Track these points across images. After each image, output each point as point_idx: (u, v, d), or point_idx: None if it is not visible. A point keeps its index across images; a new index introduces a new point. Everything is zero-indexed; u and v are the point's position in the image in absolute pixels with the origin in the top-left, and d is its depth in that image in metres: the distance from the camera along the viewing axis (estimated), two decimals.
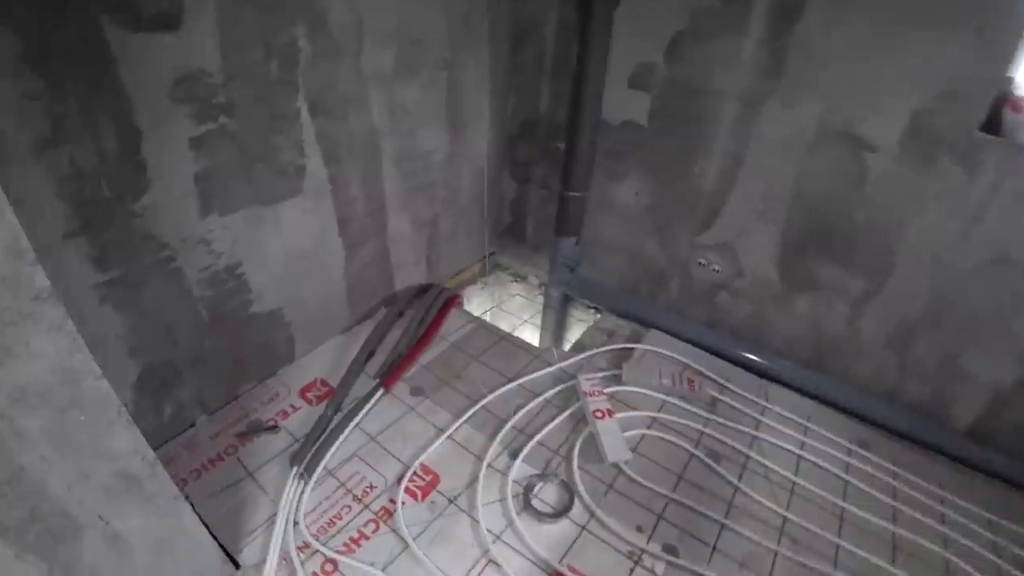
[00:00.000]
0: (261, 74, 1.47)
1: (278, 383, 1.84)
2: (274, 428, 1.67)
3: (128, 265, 1.39)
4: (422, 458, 1.62)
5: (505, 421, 1.75)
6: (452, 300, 2.22)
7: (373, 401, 1.74)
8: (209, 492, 1.50)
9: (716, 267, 2.10)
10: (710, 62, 1.85)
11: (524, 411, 1.80)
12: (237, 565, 1.36)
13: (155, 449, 1.57)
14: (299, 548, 1.40)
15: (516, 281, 2.72)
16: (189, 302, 1.54)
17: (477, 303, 2.73)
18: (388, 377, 1.81)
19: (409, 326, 2.01)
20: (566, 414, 1.79)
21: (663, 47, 1.92)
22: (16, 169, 1.15)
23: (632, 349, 2.08)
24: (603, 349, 2.09)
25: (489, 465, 1.62)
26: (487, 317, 2.78)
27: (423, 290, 2.24)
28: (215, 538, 1.39)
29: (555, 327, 2.52)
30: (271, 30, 1.45)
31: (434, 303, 2.14)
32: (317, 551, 1.38)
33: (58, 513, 0.97)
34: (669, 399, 1.88)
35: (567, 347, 2.30)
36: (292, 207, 1.68)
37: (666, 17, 1.87)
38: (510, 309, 2.85)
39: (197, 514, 1.42)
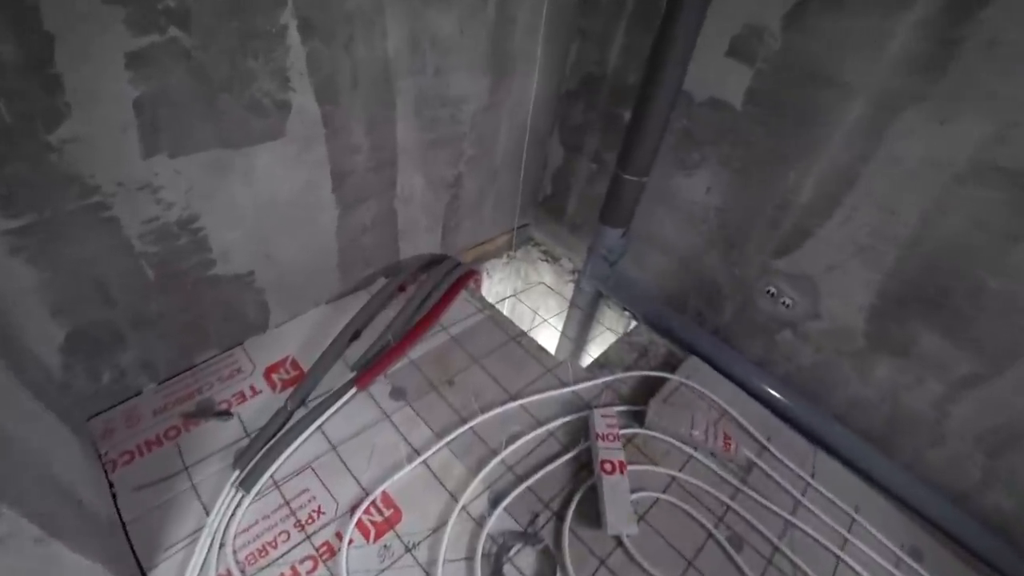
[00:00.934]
0: None
1: (243, 356, 1.56)
2: (226, 414, 1.41)
3: (44, 210, 1.08)
4: (386, 485, 1.35)
5: (495, 453, 1.46)
6: (466, 277, 1.88)
7: (343, 401, 1.46)
8: (137, 483, 1.27)
9: (787, 300, 1.69)
10: (844, 39, 1.37)
11: (520, 443, 1.49)
12: None
13: (91, 417, 1.37)
14: None
15: (547, 261, 2.35)
16: (129, 258, 1.24)
17: (499, 279, 2.38)
18: (365, 373, 1.51)
19: (406, 307, 1.70)
20: (569, 456, 1.48)
21: (784, 8, 1.43)
22: None
23: (664, 379, 1.74)
24: (629, 374, 1.75)
25: (464, 509, 1.35)
26: (504, 306, 2.43)
27: (434, 262, 1.90)
28: (132, 548, 1.18)
29: (578, 330, 2.17)
30: None
31: (443, 280, 1.81)
32: None
33: None
34: (697, 455, 1.56)
35: (587, 358, 1.97)
36: (269, 152, 1.33)
37: None
38: (530, 298, 2.49)
39: (124, 526, 1.21)
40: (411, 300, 1.72)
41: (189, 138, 1.19)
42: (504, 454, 1.47)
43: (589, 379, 1.70)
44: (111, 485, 1.25)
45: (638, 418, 1.61)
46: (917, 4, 1.25)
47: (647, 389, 1.72)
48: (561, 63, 1.87)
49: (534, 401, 1.61)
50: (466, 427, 1.50)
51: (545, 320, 2.45)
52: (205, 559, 1.18)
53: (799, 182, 1.56)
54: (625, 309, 2.08)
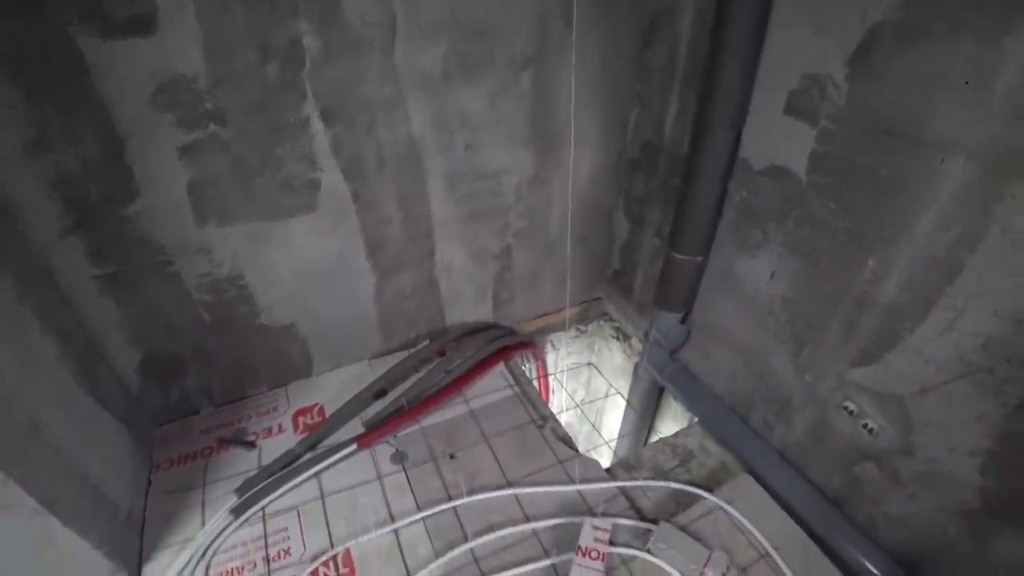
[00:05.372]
0: (256, 78, 1.31)
1: (284, 396, 1.77)
2: (251, 445, 1.61)
3: (123, 263, 1.42)
4: (350, 544, 1.37)
5: (466, 539, 1.37)
6: (511, 349, 1.84)
7: (340, 455, 1.54)
8: (166, 488, 1.52)
9: (869, 424, 1.26)
10: (928, 81, 1.03)
11: (497, 535, 1.37)
12: (139, 573, 1.36)
13: (159, 426, 1.71)
14: None
15: (617, 339, 2.14)
16: (189, 304, 1.53)
17: (567, 352, 2.25)
18: (369, 433, 1.57)
19: (430, 373, 1.72)
20: (544, 563, 1.31)
21: (848, 50, 1.14)
22: (8, 172, 1.21)
23: (698, 498, 1.43)
24: (653, 483, 1.48)
25: None
26: (562, 375, 2.27)
27: (482, 329, 1.90)
28: (142, 539, 1.42)
29: (642, 409, 1.91)
30: (265, 28, 1.26)
31: (481, 350, 1.79)
32: None
33: None
34: None
35: (654, 437, 1.72)
36: (303, 224, 1.53)
37: None
38: (607, 365, 2.27)
39: (143, 520, 1.48)
40: (439, 366, 1.74)
41: (232, 211, 1.45)
42: (476, 543, 1.36)
43: (601, 480, 1.48)
44: (149, 484, 1.53)
45: (641, 539, 1.34)
46: None
47: (678, 505, 1.43)
48: (621, 132, 1.76)
49: (530, 493, 1.47)
50: (448, 506, 1.44)
51: (616, 393, 2.21)
52: (185, 565, 1.35)
53: (880, 272, 1.19)
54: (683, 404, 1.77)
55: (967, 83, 0.99)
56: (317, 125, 1.42)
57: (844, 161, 1.21)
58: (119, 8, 1.15)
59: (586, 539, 1.32)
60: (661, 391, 1.89)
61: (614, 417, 2.18)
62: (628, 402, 1.93)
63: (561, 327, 2.12)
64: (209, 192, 1.41)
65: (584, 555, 1.29)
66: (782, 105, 1.29)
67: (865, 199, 1.19)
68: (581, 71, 1.59)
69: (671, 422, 1.91)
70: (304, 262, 1.59)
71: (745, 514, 1.37)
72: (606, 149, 1.77)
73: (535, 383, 1.96)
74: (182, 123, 1.31)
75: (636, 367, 1.86)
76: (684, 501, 1.43)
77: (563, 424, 1.73)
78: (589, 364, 2.32)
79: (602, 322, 2.19)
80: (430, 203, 1.64)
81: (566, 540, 1.35)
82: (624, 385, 2.09)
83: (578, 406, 2.35)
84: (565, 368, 2.26)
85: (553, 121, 1.65)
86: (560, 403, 2.37)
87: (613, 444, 2.08)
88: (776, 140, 1.33)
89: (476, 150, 1.61)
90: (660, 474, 1.51)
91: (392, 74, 1.42)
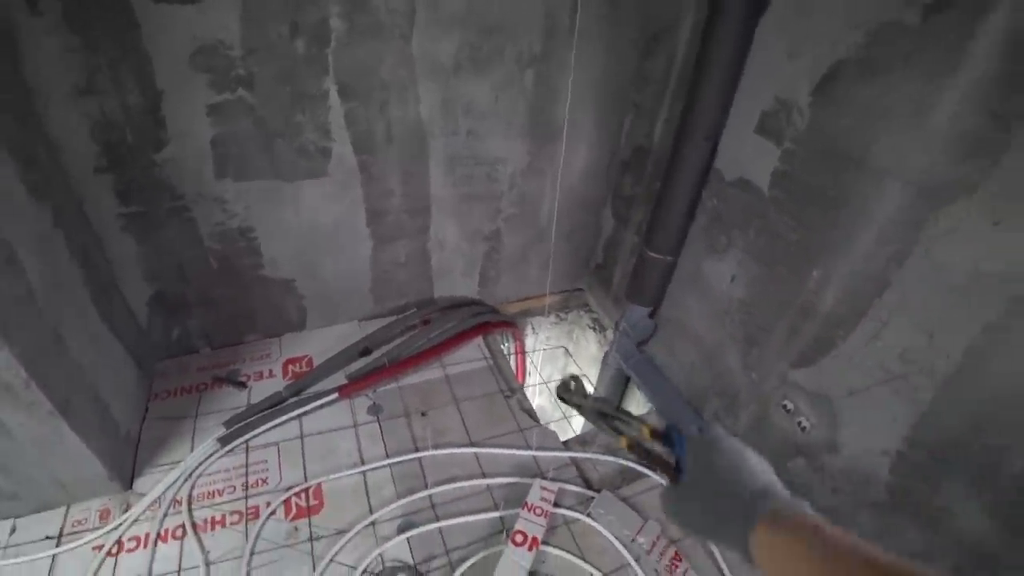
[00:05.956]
0: (285, 51, 1.45)
1: (276, 345, 1.92)
2: (242, 385, 1.76)
3: (147, 204, 1.56)
4: (322, 479, 1.51)
5: (427, 486, 1.51)
6: (489, 326, 1.97)
7: (322, 402, 1.68)
8: (161, 415, 1.67)
9: (803, 421, 1.38)
10: (878, 113, 1.15)
11: (454, 486, 1.51)
12: (130, 485, 1.51)
13: (158, 361, 1.86)
14: (175, 500, 1.46)
15: (594, 330, 2.26)
16: (201, 250, 1.68)
17: (545, 337, 2.37)
18: (350, 385, 1.71)
19: (414, 338, 1.86)
20: (493, 515, 1.44)
21: (813, 80, 1.26)
22: (58, 110, 1.36)
23: (644, 475, 1.55)
24: (602, 457, 1.60)
25: (372, 524, 1.42)
26: (539, 354, 2.39)
27: (465, 304, 2.04)
28: (135, 457, 1.56)
29: (608, 395, 2.03)
30: (299, 6, 1.40)
31: (462, 323, 1.93)
32: (181, 512, 1.43)
33: None
34: (634, 566, 1.35)
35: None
36: (313, 187, 1.67)
37: (828, 33, 1.21)
38: (583, 354, 2.40)
39: (139, 440, 1.62)
40: (422, 333, 1.88)
41: (250, 169, 1.59)
42: (434, 490, 1.50)
43: (556, 450, 1.61)
44: (147, 410, 1.67)
45: (583, 504, 1.47)
46: (964, 68, 1.00)
47: (623, 480, 1.55)
48: (615, 134, 1.89)
49: (489, 453, 1.60)
50: (414, 456, 1.58)
51: (589, 381, 2.33)
52: (172, 484, 1.49)
53: (822, 283, 1.31)
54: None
55: (917, 114, 1.10)
56: (335, 99, 1.56)
57: (801, 180, 1.33)
58: None
59: (533, 497, 1.45)
60: (627, 380, 2.01)
61: None
62: (595, 388, 2.06)
63: (542, 312, 2.25)
64: (231, 149, 1.55)
65: (530, 511, 1.42)
66: (755, 123, 1.42)
67: (816, 215, 1.31)
68: (583, 74, 1.72)
69: (633, 410, 2.03)
70: (310, 222, 1.73)
71: None
72: (600, 148, 1.90)
73: (511, 360, 2.09)
74: (214, 84, 1.45)
75: (605, 355, 1.99)
76: (629, 477, 1.56)
77: (534, 403, 1.86)
78: (564, 350, 2.45)
79: (581, 312, 2.32)
80: (430, 181, 1.78)
81: (516, 498, 1.48)
82: (595, 373, 2.21)
83: (546, 383, 2.48)
84: (542, 350, 2.38)
85: (552, 117, 1.78)
86: (534, 382, 2.50)
87: (577, 425, 2.21)
88: (747, 155, 1.45)
89: (477, 137, 1.74)
90: (611, 451, 1.63)
91: (408, 60, 1.56)
